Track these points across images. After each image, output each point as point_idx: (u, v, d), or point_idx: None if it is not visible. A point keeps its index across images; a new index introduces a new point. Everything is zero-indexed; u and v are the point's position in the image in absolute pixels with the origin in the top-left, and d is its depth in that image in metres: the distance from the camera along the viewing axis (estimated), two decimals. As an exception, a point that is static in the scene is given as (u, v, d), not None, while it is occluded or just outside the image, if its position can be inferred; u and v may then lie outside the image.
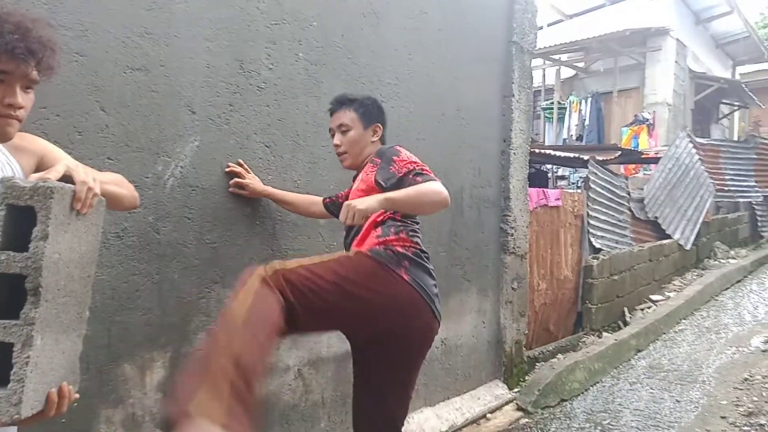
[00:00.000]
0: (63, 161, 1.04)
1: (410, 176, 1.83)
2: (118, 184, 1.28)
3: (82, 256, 1.08)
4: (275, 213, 2.33)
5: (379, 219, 1.92)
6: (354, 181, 2.10)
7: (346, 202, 1.70)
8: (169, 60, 1.95)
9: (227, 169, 2.14)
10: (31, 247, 0.94)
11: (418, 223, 2.00)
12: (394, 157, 1.91)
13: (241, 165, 2.17)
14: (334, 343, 2.61)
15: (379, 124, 2.10)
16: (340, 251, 1.94)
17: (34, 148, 1.25)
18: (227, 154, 2.15)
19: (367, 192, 1.88)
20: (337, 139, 2.06)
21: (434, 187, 1.78)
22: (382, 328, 1.81)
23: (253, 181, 2.18)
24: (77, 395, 1.06)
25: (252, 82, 2.23)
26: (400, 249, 1.83)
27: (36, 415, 0.97)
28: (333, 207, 2.29)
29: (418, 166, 1.88)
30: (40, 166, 1.24)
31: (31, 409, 0.94)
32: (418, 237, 1.96)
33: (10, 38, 1.02)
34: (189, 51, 2.01)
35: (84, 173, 1.05)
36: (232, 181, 2.14)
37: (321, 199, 2.34)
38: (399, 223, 1.92)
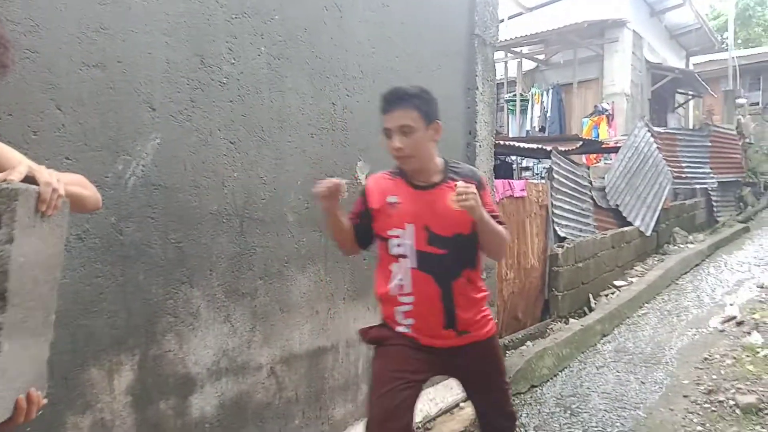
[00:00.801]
0: (24, 162, 0.99)
1: (494, 219, 1.86)
2: (80, 185, 1.24)
3: (47, 259, 1.05)
4: (242, 210, 2.30)
5: (478, 265, 1.96)
6: (425, 191, 1.90)
7: (473, 191, 1.71)
8: (126, 56, 1.90)
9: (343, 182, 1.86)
10: None
11: None
12: (482, 192, 1.85)
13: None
14: (305, 339, 2.60)
15: (438, 121, 1.88)
16: (491, 340, 2.02)
17: None
18: (190, 151, 2.11)
19: (463, 215, 1.78)
20: (399, 141, 1.80)
21: (508, 238, 1.91)
22: None
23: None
24: (45, 401, 1.02)
25: (214, 77, 2.19)
26: (485, 306, 2.03)
27: (4, 423, 0.94)
28: (360, 230, 1.98)
29: (498, 212, 1.95)
30: None
31: (1, 416, 0.91)
32: None
33: None
34: (147, 46, 1.96)
35: (48, 174, 1.01)
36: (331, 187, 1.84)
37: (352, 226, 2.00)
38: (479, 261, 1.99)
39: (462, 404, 3.50)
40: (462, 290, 1.88)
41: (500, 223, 1.89)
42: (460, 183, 1.75)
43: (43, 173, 1.00)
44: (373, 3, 2.97)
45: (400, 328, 1.93)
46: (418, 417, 3.15)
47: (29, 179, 0.98)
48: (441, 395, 3.44)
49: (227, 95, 2.24)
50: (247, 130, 2.33)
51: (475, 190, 1.73)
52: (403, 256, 1.87)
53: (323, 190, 1.82)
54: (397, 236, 1.88)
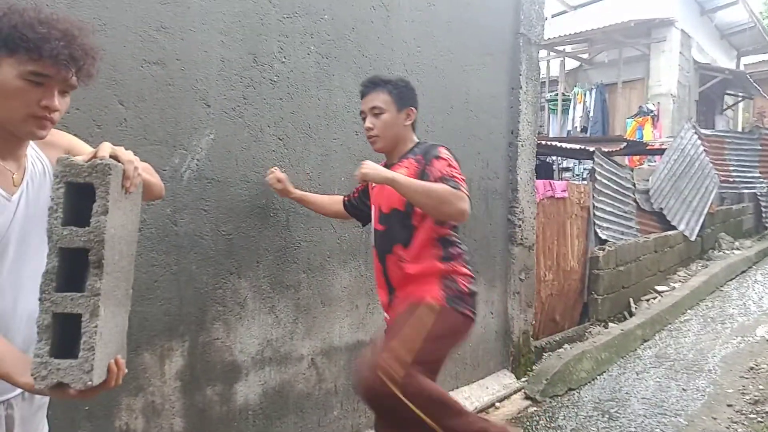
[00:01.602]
0: (105, 143, 1.06)
1: (438, 181, 1.82)
2: (149, 172, 1.31)
3: (128, 233, 1.12)
4: (288, 205, 2.36)
5: (439, 235, 1.95)
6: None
7: (365, 161, 1.82)
8: (184, 54, 1.98)
9: (269, 175, 2.20)
10: (93, 222, 0.97)
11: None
12: (434, 160, 1.90)
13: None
14: (345, 332, 2.65)
15: (413, 108, 2.05)
16: (425, 307, 1.87)
17: (61, 143, 1.28)
18: (241, 147, 2.18)
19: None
20: (370, 122, 2.00)
21: (448, 195, 1.76)
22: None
23: (283, 181, 2.21)
24: (126, 369, 1.09)
25: (265, 75, 2.25)
26: (464, 287, 1.95)
27: (100, 385, 0.99)
28: (349, 205, 2.30)
29: (452, 172, 1.85)
30: None
31: (99, 378, 0.97)
32: (463, 245, 2.03)
33: (56, 44, 1.04)
34: (204, 45, 2.04)
35: (129, 153, 1.08)
36: (272, 176, 2.19)
37: (341, 198, 2.35)
38: (455, 240, 1.99)
39: (498, 404, 3.50)
40: (394, 267, 1.97)
41: (448, 180, 1.81)
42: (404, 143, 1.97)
43: (126, 153, 1.07)
44: (419, 2, 2.99)
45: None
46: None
47: (113, 158, 1.05)
48: (476, 394, 3.45)
49: (277, 93, 2.30)
50: (295, 127, 2.39)
51: (369, 168, 1.80)
52: (372, 235, 2.09)
53: (268, 179, 2.18)
54: (373, 218, 2.11)
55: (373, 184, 2.06)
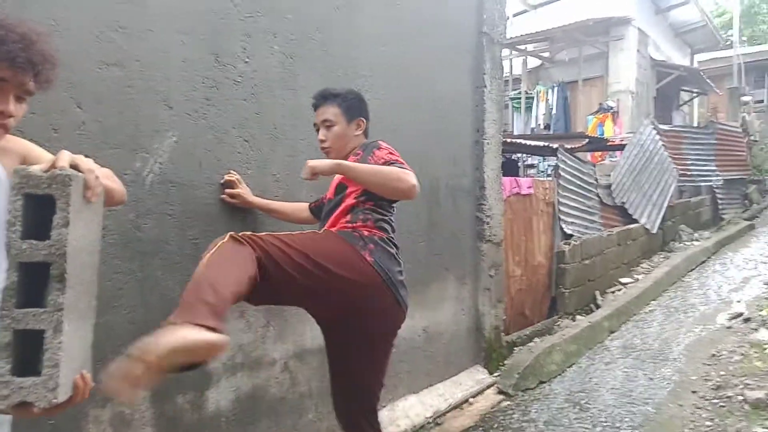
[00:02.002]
0: (63, 151, 1.03)
1: (384, 165, 1.90)
2: (109, 178, 1.27)
3: (90, 244, 1.09)
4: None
5: (349, 205, 1.96)
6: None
7: (307, 161, 1.83)
8: (144, 55, 1.93)
9: (222, 180, 2.16)
10: (54, 235, 0.94)
11: (391, 214, 2.03)
12: (375, 150, 1.99)
13: (235, 174, 2.20)
14: (318, 334, 2.61)
15: (363, 119, 2.13)
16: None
17: (16, 149, 1.24)
18: (205, 149, 2.14)
19: (346, 181, 1.97)
20: (322, 134, 2.08)
21: (398, 173, 1.84)
22: (343, 305, 1.85)
23: (244, 191, 2.20)
24: (93, 383, 1.06)
25: (228, 75, 2.22)
26: (366, 233, 1.89)
27: (66, 401, 0.97)
28: (317, 210, 2.27)
29: (395, 158, 1.94)
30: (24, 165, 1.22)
31: (64, 394, 0.95)
32: (388, 226, 1.99)
33: (13, 47, 1.02)
34: (164, 45, 1.99)
35: (90, 162, 1.05)
36: (225, 191, 2.17)
37: (307, 205, 2.34)
38: (368, 211, 1.95)
39: (471, 399, 3.53)
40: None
41: (394, 163, 1.88)
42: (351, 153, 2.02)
43: (85, 161, 1.04)
44: (383, 1, 2.99)
45: None
46: (428, 412, 3.19)
47: (72, 167, 1.02)
48: (450, 391, 3.47)
49: (241, 93, 2.26)
50: (261, 128, 2.36)
51: (312, 162, 1.82)
52: None
53: (223, 197, 2.17)
54: None
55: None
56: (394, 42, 3.07)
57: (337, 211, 1.97)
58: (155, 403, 1.96)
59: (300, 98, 2.51)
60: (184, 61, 2.05)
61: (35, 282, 0.95)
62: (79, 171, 1.01)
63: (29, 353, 0.94)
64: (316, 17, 2.59)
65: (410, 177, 1.84)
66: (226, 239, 1.64)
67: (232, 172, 2.19)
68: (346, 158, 2.06)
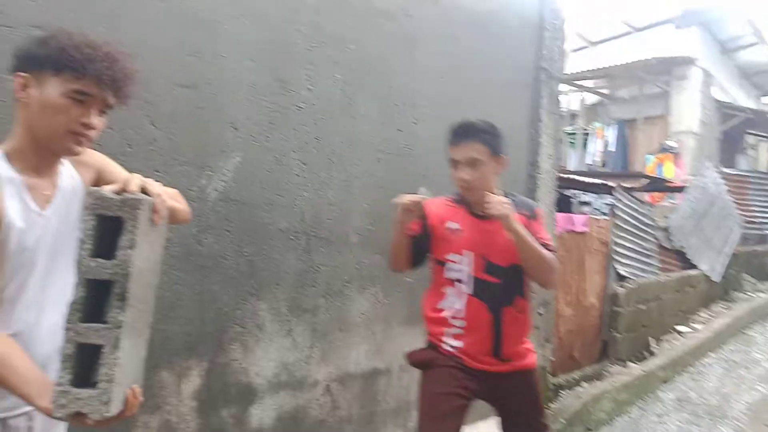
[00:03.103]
0: (135, 175, 1.09)
1: (543, 248, 1.88)
2: (175, 199, 1.34)
3: (153, 265, 1.14)
4: (309, 229, 2.37)
5: (526, 291, 2.00)
6: (482, 221, 1.94)
7: (506, 201, 1.81)
8: (215, 78, 2.04)
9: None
10: (120, 255, 0.99)
11: None
12: (537, 219, 1.97)
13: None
14: (361, 359, 2.63)
15: (504, 155, 1.96)
16: (533, 372, 2.05)
17: (93, 162, 1.32)
18: (266, 170, 2.21)
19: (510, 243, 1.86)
20: (466, 174, 1.88)
21: (555, 264, 1.89)
22: None
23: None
24: (142, 398, 1.10)
25: (292, 101, 2.30)
26: None
27: (117, 415, 1.01)
28: (414, 249, 2.01)
29: (550, 241, 1.95)
30: (99, 180, 1.30)
31: (116, 408, 0.99)
32: None
33: (99, 65, 1.10)
34: (234, 70, 2.10)
35: (158, 186, 1.11)
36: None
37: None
38: None
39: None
40: (511, 319, 1.95)
41: (549, 250, 1.89)
42: (492, 196, 1.82)
43: (154, 185, 1.10)
44: (443, 35, 3.05)
45: (446, 347, 1.97)
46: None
47: (142, 191, 1.08)
48: (492, 431, 3.36)
49: (303, 119, 2.34)
50: (319, 153, 2.42)
51: (511, 205, 1.80)
52: (460, 281, 1.95)
53: (409, 203, 1.86)
54: (454, 261, 1.96)
55: (452, 226, 1.97)
56: (451, 75, 3.11)
57: (522, 300, 1.98)
58: (201, 414, 2.01)
59: (359, 125, 2.57)
60: (252, 86, 2.15)
61: (99, 298, 1.00)
62: (148, 195, 1.07)
63: (88, 363, 0.98)
64: (377, 48, 2.67)
65: (556, 272, 1.91)
66: None
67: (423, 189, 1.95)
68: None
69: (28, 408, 1.13)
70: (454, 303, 1.95)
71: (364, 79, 2.62)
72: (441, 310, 1.97)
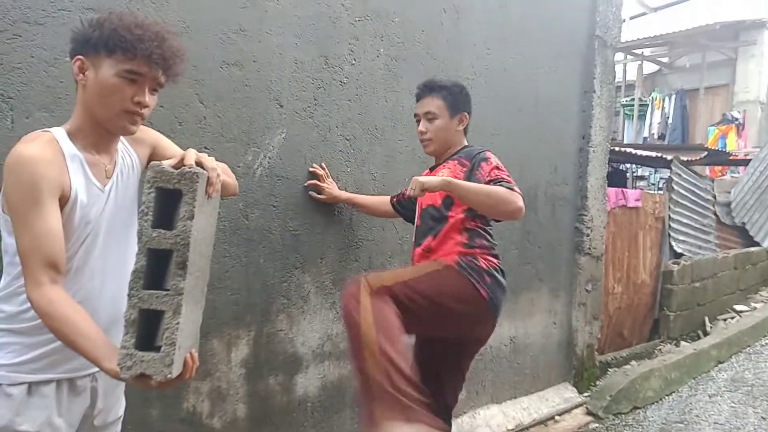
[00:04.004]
0: (191, 150, 1.14)
1: (490, 183, 1.85)
2: (226, 173, 1.38)
3: (208, 235, 1.19)
4: (353, 204, 2.40)
5: (460, 221, 1.95)
6: (432, 171, 2.10)
7: (414, 177, 1.81)
8: (260, 56, 2.06)
9: (310, 169, 2.23)
10: (179, 226, 1.05)
11: (492, 229, 2.04)
12: (483, 163, 1.93)
13: (323, 168, 2.25)
14: (404, 333, 2.66)
15: (466, 114, 2.07)
16: (433, 262, 1.92)
17: (148, 139, 1.38)
18: (310, 146, 2.24)
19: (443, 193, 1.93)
20: (423, 126, 2.04)
21: (507, 196, 1.81)
22: (453, 332, 1.97)
23: (330, 186, 2.25)
24: (198, 362, 1.16)
25: (335, 77, 2.31)
26: (483, 265, 1.91)
27: (177, 377, 1.06)
28: (399, 206, 2.31)
29: (502, 175, 1.89)
30: (153, 155, 1.36)
31: (177, 371, 1.05)
32: (495, 248, 2.02)
33: (149, 45, 1.14)
34: (279, 47, 2.12)
35: (212, 161, 1.16)
36: (309, 182, 2.22)
37: (388, 199, 2.35)
38: (481, 233, 1.97)
39: (557, 417, 3.41)
40: (420, 258, 2.00)
41: (502, 183, 1.84)
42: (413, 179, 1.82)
43: (209, 160, 1.14)
44: (491, 4, 2.97)
45: None
46: (510, 424, 3.13)
47: (197, 165, 1.12)
48: (535, 405, 3.37)
49: (346, 94, 2.35)
50: (362, 128, 2.43)
51: (420, 179, 1.77)
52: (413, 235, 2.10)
53: (310, 193, 2.20)
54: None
55: None
56: (498, 45, 3.03)
57: (447, 226, 1.95)
58: (249, 382, 2.10)
59: (402, 100, 2.56)
60: (296, 63, 2.17)
61: (160, 267, 1.06)
62: (203, 168, 1.11)
63: (150, 330, 1.05)
64: (421, 20, 2.63)
65: (517, 199, 1.81)
66: (365, 294, 1.72)
67: (315, 166, 2.23)
68: (446, 156, 2.05)
69: (93, 369, 1.21)
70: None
71: (408, 53, 2.59)
72: None
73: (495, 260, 1.96)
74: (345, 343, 2.41)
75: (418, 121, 2.08)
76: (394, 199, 2.34)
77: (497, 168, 1.91)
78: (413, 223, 2.27)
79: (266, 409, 2.16)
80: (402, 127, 2.57)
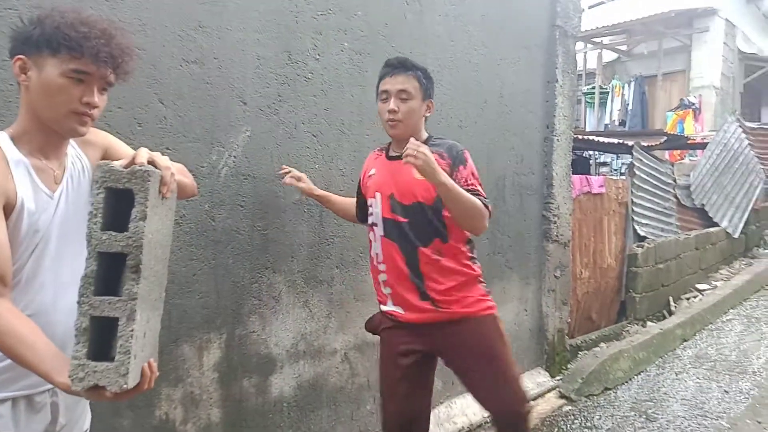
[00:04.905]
0: (142, 148, 1.09)
1: (469, 193, 1.79)
2: (182, 173, 1.34)
3: (163, 238, 1.14)
4: (322, 201, 2.38)
5: (467, 235, 1.95)
6: (390, 160, 1.96)
7: (424, 149, 1.66)
8: (221, 52, 2.01)
9: (279, 172, 2.16)
10: (132, 227, 0.99)
11: None
12: (461, 166, 1.85)
13: (289, 169, 2.18)
14: (378, 328, 2.66)
15: (432, 101, 1.97)
16: (495, 321, 1.94)
17: (99, 141, 1.33)
18: (276, 143, 2.21)
19: (425, 184, 1.78)
20: (395, 104, 1.85)
21: (482, 211, 1.80)
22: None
23: (306, 178, 2.17)
24: (158, 372, 1.12)
25: (299, 72, 2.28)
26: (481, 278, 1.99)
27: (134, 388, 1.02)
28: (360, 204, 2.14)
29: (477, 186, 1.84)
30: (105, 158, 1.31)
31: (133, 381, 1.00)
32: None
33: (96, 42, 1.09)
34: (240, 43, 2.07)
35: (166, 159, 1.11)
36: (289, 176, 2.13)
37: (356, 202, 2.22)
38: (473, 242, 2.00)
39: (532, 402, 3.46)
40: (430, 260, 1.86)
41: (478, 195, 1.80)
42: (411, 140, 1.71)
43: (162, 159, 1.10)
44: (453, -4, 2.97)
45: (384, 304, 1.97)
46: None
47: (150, 164, 1.08)
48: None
49: (311, 90, 2.32)
50: (329, 124, 2.41)
51: (428, 152, 1.66)
52: (375, 225, 1.95)
53: (287, 180, 2.13)
54: (370, 206, 1.98)
55: (370, 172, 2.00)
56: (462, 37, 3.04)
57: (455, 236, 1.89)
58: (222, 385, 2.06)
59: (368, 94, 2.54)
60: (259, 59, 2.13)
61: (111, 272, 1.00)
62: (156, 167, 1.07)
63: (104, 339, 0.99)
64: (385, 14, 2.61)
65: (486, 219, 1.83)
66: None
67: (284, 167, 2.17)
68: (405, 140, 1.86)
69: (51, 385, 1.17)
70: (376, 247, 1.95)
71: (372, 47, 2.57)
72: (371, 258, 1.99)
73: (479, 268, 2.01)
74: (319, 341, 2.40)
75: (385, 100, 1.89)
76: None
77: (473, 175, 1.85)
78: (361, 219, 2.14)
79: (241, 412, 2.13)
80: (369, 121, 2.56)
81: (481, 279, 1.99)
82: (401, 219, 1.88)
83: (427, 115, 1.98)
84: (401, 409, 1.94)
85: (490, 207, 1.83)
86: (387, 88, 1.89)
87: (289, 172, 2.16)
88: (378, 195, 1.94)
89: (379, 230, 1.93)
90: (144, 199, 1.00)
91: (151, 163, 1.07)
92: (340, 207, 2.25)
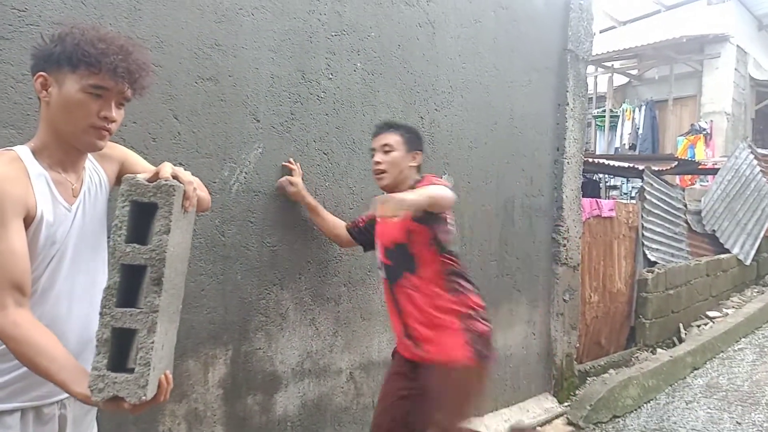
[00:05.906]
0: (166, 163, 1.11)
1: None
2: (200, 188, 1.35)
3: (183, 251, 1.15)
4: (331, 218, 2.38)
5: (445, 268, 1.97)
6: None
7: (389, 195, 1.72)
8: (236, 70, 2.04)
9: (283, 163, 2.19)
10: (155, 240, 1.00)
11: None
12: (416, 184, 2.04)
13: (293, 163, 2.22)
14: (384, 347, 2.65)
15: (420, 152, 2.12)
16: (459, 373, 1.90)
17: (116, 155, 1.35)
18: (288, 161, 2.22)
19: (405, 223, 1.88)
20: (379, 157, 2.05)
21: (440, 190, 1.89)
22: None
23: (300, 184, 2.19)
24: (172, 384, 1.11)
25: (312, 91, 2.30)
26: (482, 327, 1.97)
27: (151, 399, 1.02)
28: (356, 233, 2.26)
29: (432, 181, 2.01)
30: (122, 172, 1.33)
31: (152, 392, 1.00)
32: (467, 282, 2.05)
33: (114, 58, 1.11)
34: (255, 62, 2.10)
35: (188, 174, 1.13)
36: (282, 179, 2.17)
37: (344, 225, 2.29)
38: (459, 274, 2.01)
39: (539, 428, 3.41)
40: (405, 296, 1.99)
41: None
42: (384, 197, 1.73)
43: (185, 173, 1.12)
44: (465, 19, 3.00)
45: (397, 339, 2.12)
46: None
47: (173, 178, 1.09)
48: (516, 417, 3.37)
49: (324, 108, 2.34)
50: (340, 142, 2.42)
51: (390, 197, 1.69)
52: (380, 269, 2.12)
53: (277, 184, 2.19)
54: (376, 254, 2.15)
55: (378, 220, 2.11)
56: (473, 59, 3.07)
57: (423, 266, 1.95)
58: (227, 402, 2.05)
59: (379, 114, 2.56)
60: (273, 77, 2.15)
61: (133, 284, 1.01)
62: (179, 182, 1.08)
63: (123, 350, 1.00)
64: (397, 35, 2.64)
65: (445, 190, 1.90)
66: None
67: (290, 161, 2.20)
68: (399, 191, 1.96)
69: (61, 396, 1.17)
70: (383, 290, 2.14)
71: (385, 67, 2.60)
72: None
73: (477, 296, 2.01)
74: (324, 360, 2.39)
75: (373, 155, 2.09)
76: (351, 226, 2.27)
77: (431, 182, 2.00)
78: (366, 250, 2.31)
79: (245, 429, 2.11)
80: (379, 140, 2.57)
81: (473, 314, 1.96)
82: (389, 262, 2.05)
83: (413, 164, 2.10)
84: (379, 422, 2.07)
85: (438, 182, 1.96)
86: (373, 146, 2.11)
87: (294, 168, 2.20)
88: (378, 243, 2.11)
89: (382, 273, 2.10)
90: (168, 213, 1.01)
91: (174, 177, 1.08)
92: (326, 224, 2.28)
